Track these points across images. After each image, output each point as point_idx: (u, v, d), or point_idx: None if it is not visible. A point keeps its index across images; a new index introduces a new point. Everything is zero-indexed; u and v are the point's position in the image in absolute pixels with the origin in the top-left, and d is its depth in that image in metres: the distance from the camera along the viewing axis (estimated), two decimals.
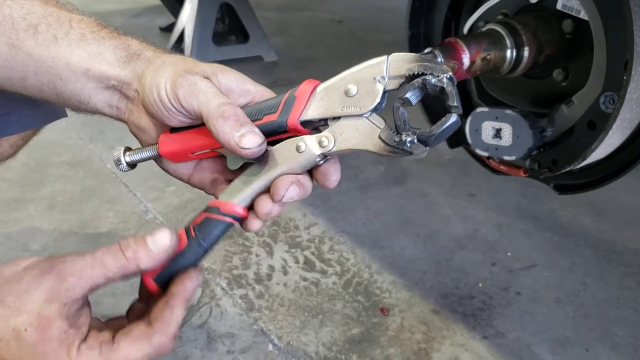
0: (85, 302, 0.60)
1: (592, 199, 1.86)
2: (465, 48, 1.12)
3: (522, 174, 1.23)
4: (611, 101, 1.04)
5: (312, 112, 0.62)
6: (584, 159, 1.09)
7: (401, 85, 0.59)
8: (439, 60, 1.09)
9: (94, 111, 0.73)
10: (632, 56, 0.97)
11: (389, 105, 0.60)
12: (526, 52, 1.16)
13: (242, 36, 3.35)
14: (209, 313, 1.39)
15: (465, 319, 1.39)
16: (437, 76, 0.57)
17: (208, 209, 0.65)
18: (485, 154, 1.24)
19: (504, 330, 1.35)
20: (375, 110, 0.60)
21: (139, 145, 0.73)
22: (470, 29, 1.28)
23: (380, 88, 0.59)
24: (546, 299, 1.45)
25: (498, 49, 1.15)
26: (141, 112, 0.69)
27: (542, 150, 1.19)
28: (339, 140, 0.61)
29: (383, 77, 0.59)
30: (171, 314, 0.61)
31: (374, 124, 0.60)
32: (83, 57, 0.68)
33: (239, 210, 0.64)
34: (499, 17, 1.23)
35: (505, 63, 1.17)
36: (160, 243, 0.60)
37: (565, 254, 1.63)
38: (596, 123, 1.07)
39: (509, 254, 1.63)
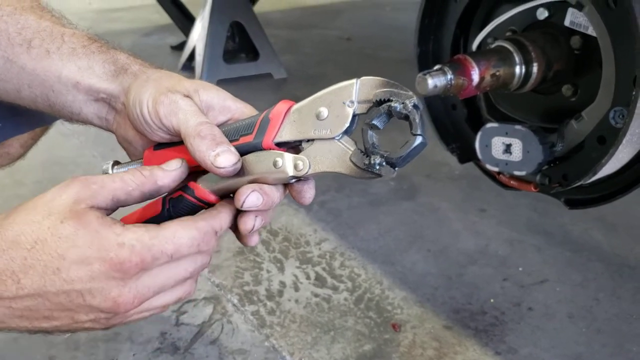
0: (110, 215, 0.62)
1: (604, 214, 1.85)
2: (474, 65, 1.13)
3: (532, 189, 1.23)
4: (621, 116, 1.04)
5: (286, 135, 0.64)
6: (594, 174, 1.09)
7: (370, 109, 0.60)
8: (449, 77, 1.10)
9: (85, 122, 0.75)
10: None
11: (361, 125, 0.61)
12: (535, 68, 1.16)
13: (252, 54, 3.39)
14: (221, 329, 1.39)
15: (478, 335, 1.38)
16: (402, 103, 0.57)
17: (185, 188, 0.67)
18: (495, 169, 1.25)
19: (517, 345, 1.35)
20: (345, 132, 0.61)
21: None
22: (479, 46, 1.29)
23: (349, 112, 0.60)
24: (559, 314, 1.45)
25: (507, 66, 1.16)
26: (128, 125, 0.71)
27: (553, 165, 1.19)
28: (314, 163, 0.62)
29: (352, 102, 0.60)
30: (217, 212, 0.64)
31: (345, 146, 0.61)
32: (73, 70, 0.70)
33: (211, 197, 0.66)
34: (508, 33, 1.24)
35: (514, 79, 1.17)
36: (172, 165, 0.65)
37: (577, 269, 1.62)
38: (606, 138, 1.07)
39: (520, 269, 1.62)
